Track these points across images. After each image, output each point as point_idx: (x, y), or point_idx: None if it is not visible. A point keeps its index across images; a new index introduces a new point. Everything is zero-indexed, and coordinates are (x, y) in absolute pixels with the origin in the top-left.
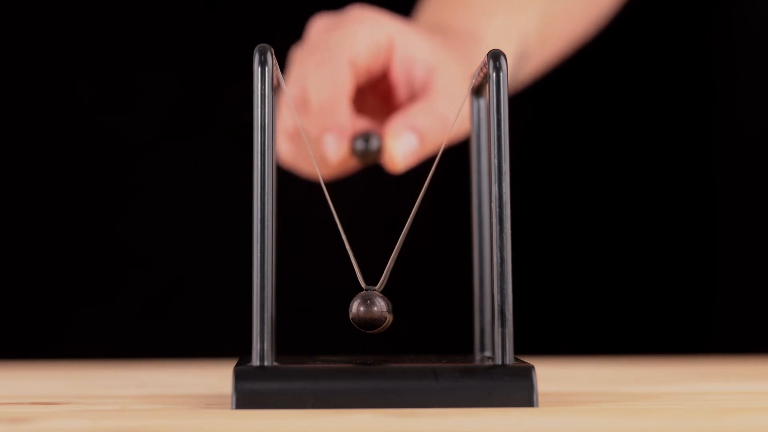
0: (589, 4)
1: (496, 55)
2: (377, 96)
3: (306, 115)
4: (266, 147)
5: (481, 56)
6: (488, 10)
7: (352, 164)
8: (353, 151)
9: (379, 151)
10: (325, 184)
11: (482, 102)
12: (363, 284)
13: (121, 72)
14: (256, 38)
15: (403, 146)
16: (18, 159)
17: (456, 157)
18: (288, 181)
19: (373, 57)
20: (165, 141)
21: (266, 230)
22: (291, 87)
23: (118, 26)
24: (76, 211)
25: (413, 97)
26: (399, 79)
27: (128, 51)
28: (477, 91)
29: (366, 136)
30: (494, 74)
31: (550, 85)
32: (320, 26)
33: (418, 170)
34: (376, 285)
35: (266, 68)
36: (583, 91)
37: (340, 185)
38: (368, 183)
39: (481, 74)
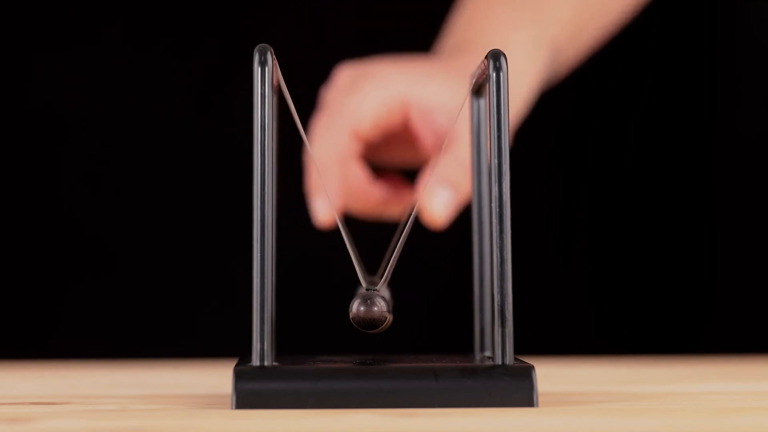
0: None
1: (496, 55)
2: (406, 146)
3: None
4: (266, 147)
5: (509, 71)
6: (517, 24)
7: (385, 207)
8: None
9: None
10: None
11: (482, 102)
12: (364, 284)
13: (121, 71)
14: (255, 38)
15: (439, 203)
16: (18, 159)
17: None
18: (288, 181)
19: (384, 117)
20: (166, 141)
21: (266, 230)
22: (320, 123)
23: (118, 26)
24: (75, 210)
25: (440, 144)
26: (421, 130)
27: (128, 51)
28: (477, 91)
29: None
30: (494, 74)
31: (550, 86)
32: (340, 82)
33: (418, 169)
34: (376, 285)
35: (266, 68)
36: (584, 91)
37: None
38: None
39: (482, 75)
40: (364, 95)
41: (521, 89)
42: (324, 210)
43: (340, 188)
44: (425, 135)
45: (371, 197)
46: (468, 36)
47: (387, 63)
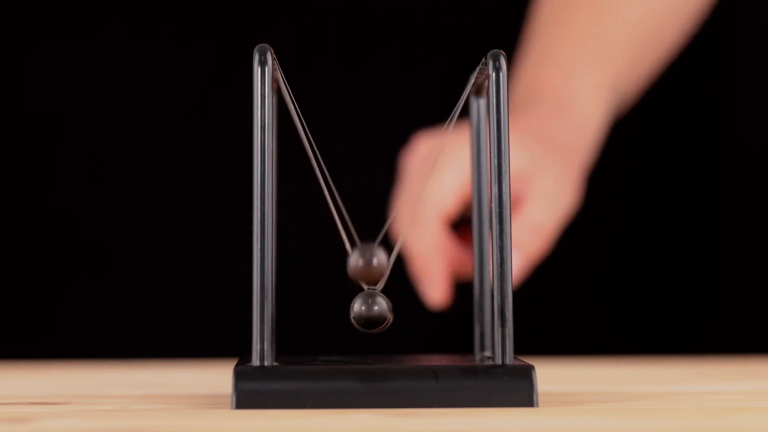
0: (673, 18)
1: (496, 55)
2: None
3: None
4: (266, 147)
5: (577, 121)
6: (579, 67)
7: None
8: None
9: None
10: (325, 184)
11: (482, 102)
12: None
13: (120, 71)
14: (255, 38)
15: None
16: (19, 158)
17: None
18: (288, 180)
19: (465, 191)
20: (167, 141)
21: (266, 230)
22: (403, 194)
23: (118, 25)
24: (75, 210)
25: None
26: None
27: (128, 50)
28: (477, 91)
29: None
30: (494, 74)
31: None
32: (418, 156)
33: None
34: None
35: (266, 68)
36: None
37: (340, 185)
38: (368, 183)
39: (482, 75)
40: (444, 178)
41: (589, 136)
42: (436, 293)
43: (443, 270)
44: None
45: (467, 261)
46: (535, 83)
47: (463, 136)
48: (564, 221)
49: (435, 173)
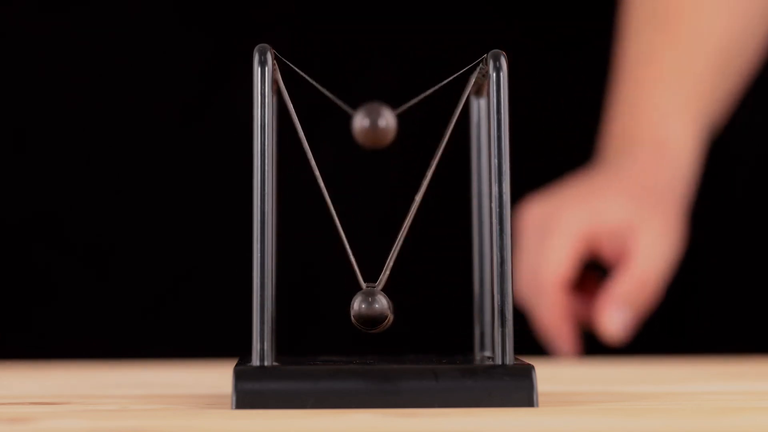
0: (752, 39)
1: (496, 56)
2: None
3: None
4: (266, 147)
5: (675, 162)
6: (671, 108)
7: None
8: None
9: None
10: (325, 184)
11: (482, 102)
12: (363, 284)
13: (120, 71)
14: (255, 38)
15: (616, 321)
16: (19, 158)
17: (456, 157)
18: (288, 180)
19: (577, 257)
20: (164, 140)
21: (266, 230)
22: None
23: (117, 26)
24: (75, 210)
25: (617, 263)
26: (606, 254)
27: (127, 50)
28: (477, 91)
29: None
30: (494, 74)
31: (550, 88)
32: (531, 225)
33: (418, 170)
34: (375, 284)
35: (266, 68)
36: (583, 91)
37: (339, 185)
38: (368, 182)
39: (482, 75)
40: (556, 245)
41: (687, 174)
42: (565, 348)
43: (569, 330)
44: (610, 256)
45: (590, 311)
46: (628, 130)
47: (568, 198)
48: (670, 268)
49: (547, 240)
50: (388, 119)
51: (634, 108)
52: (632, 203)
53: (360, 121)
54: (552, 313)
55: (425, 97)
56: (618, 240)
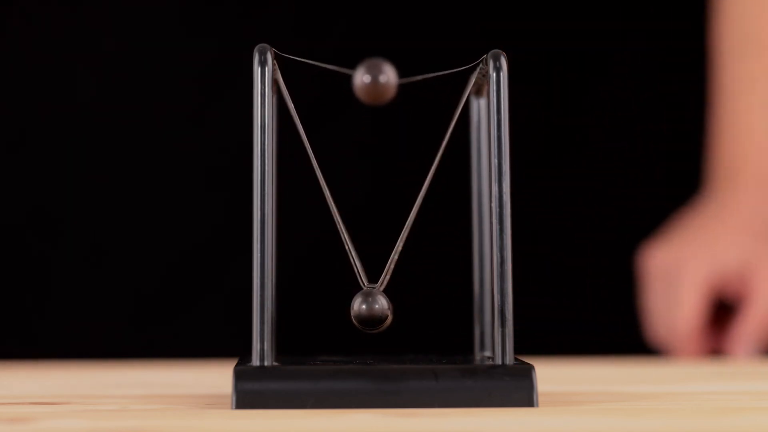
0: None
1: (496, 56)
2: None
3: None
4: (266, 147)
5: None
6: None
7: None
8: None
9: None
10: (326, 184)
11: (482, 102)
12: (364, 284)
13: (120, 70)
14: (255, 38)
15: (744, 352)
16: (19, 158)
17: (456, 157)
18: (288, 180)
19: (704, 302)
20: (166, 141)
21: (266, 230)
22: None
23: (118, 25)
24: (76, 210)
25: (739, 301)
26: (732, 293)
27: (127, 50)
28: (477, 91)
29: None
30: (494, 74)
31: (549, 88)
32: (655, 274)
33: (418, 169)
34: (376, 284)
35: (266, 68)
36: (584, 91)
37: (340, 184)
38: (369, 182)
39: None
40: (688, 302)
41: None
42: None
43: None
44: (733, 295)
45: (725, 346)
46: (733, 158)
47: (689, 245)
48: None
49: (677, 292)
50: (389, 75)
51: (736, 138)
52: (747, 240)
53: (361, 77)
54: (689, 353)
55: (425, 93)
56: (739, 280)
